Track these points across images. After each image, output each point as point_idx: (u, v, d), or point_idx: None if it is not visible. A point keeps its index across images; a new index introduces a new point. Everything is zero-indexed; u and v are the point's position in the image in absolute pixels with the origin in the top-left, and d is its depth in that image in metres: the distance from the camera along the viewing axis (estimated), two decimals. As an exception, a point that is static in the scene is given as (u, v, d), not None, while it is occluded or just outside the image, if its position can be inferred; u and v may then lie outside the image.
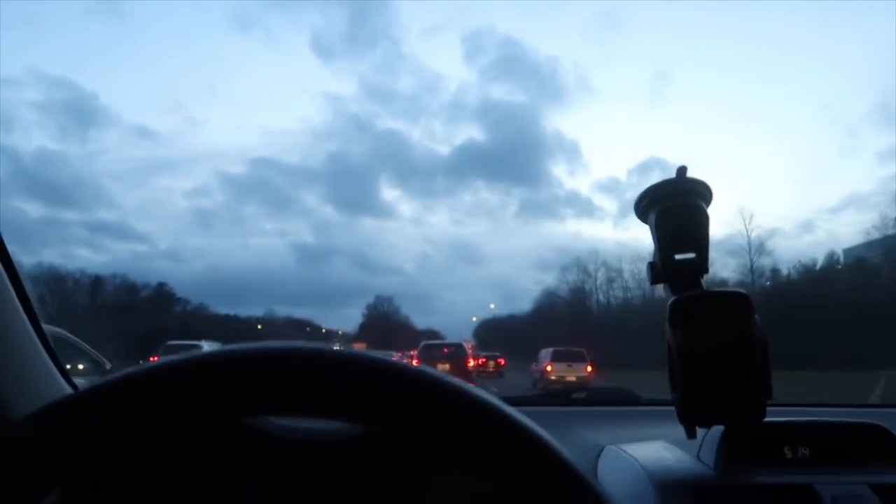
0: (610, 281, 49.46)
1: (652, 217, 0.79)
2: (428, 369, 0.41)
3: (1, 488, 0.36)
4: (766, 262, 36.10)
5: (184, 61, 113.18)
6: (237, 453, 0.67)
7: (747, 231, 35.58)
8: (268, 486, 0.68)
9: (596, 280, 50.85)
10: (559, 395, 1.73)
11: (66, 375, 0.92)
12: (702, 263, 0.77)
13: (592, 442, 1.00)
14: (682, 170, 0.77)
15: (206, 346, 17.70)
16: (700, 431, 0.78)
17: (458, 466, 0.40)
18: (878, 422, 0.83)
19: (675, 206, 0.77)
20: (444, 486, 0.67)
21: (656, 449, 0.89)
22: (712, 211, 0.78)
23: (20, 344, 0.80)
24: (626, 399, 1.62)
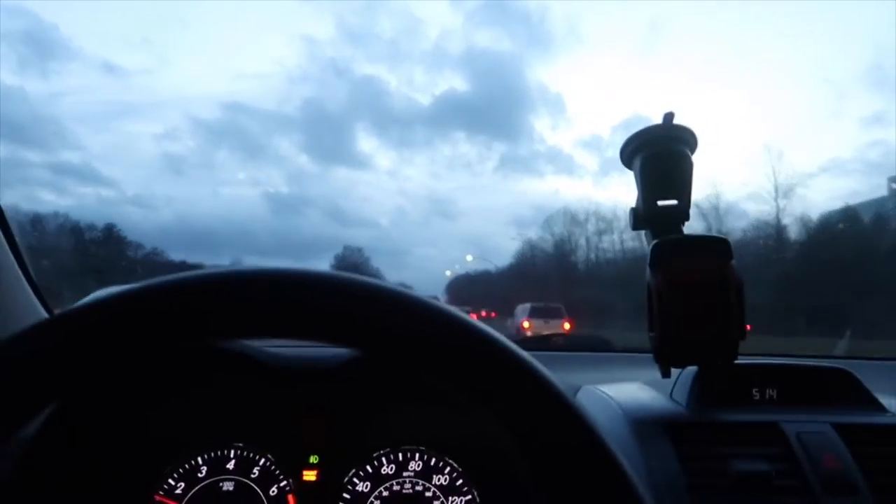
0: (600, 233, 49.38)
1: (636, 163, 0.83)
2: (421, 296, 0.44)
3: None
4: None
5: None
6: (227, 377, 0.72)
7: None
8: (261, 411, 0.74)
9: (587, 230, 50.91)
10: (536, 341, 1.87)
11: (44, 302, 0.95)
12: (684, 210, 0.82)
13: (569, 382, 1.08)
14: (668, 116, 0.81)
15: None
16: (674, 373, 0.85)
17: (450, 390, 0.43)
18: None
19: (660, 152, 0.81)
20: (427, 413, 0.74)
21: (631, 389, 0.97)
22: (697, 158, 0.82)
23: (12, 290, 0.83)
24: (601, 346, 1.76)
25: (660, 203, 0.82)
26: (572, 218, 51.56)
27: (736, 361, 0.82)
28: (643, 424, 0.81)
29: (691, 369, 0.86)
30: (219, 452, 0.74)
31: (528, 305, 22.72)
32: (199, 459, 0.73)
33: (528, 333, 21.00)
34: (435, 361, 0.42)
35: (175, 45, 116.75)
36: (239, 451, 0.74)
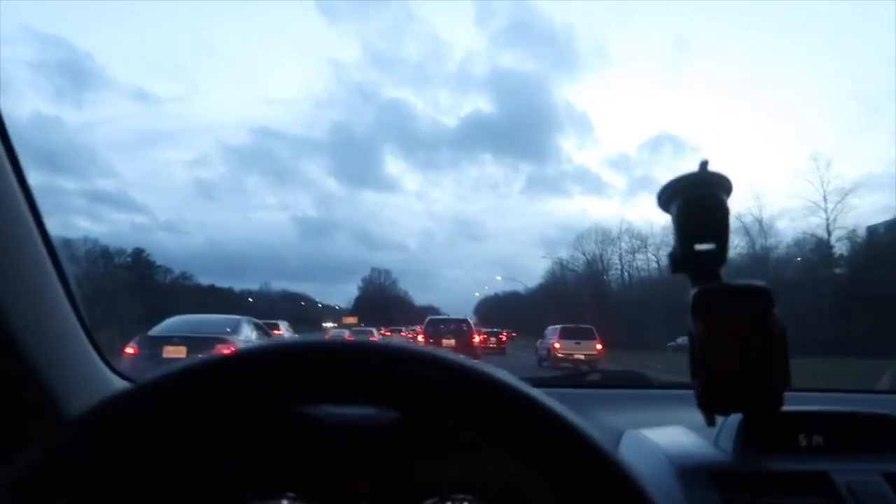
0: (633, 251, 47.44)
1: (674, 208, 0.85)
2: (465, 360, 0.48)
3: (66, 487, 0.42)
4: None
5: (183, 22, 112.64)
6: (281, 430, 0.75)
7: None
8: (313, 463, 0.76)
9: (620, 247, 48.77)
10: (573, 377, 1.85)
11: (107, 362, 1.01)
12: (721, 254, 0.83)
13: (611, 425, 1.08)
14: (703, 163, 0.84)
15: (284, 326, 16.38)
16: (718, 418, 0.85)
17: (495, 450, 0.46)
18: (886, 408, 0.92)
19: (697, 198, 0.84)
20: (476, 464, 0.76)
21: (675, 434, 0.96)
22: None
23: (65, 332, 0.88)
24: (639, 382, 1.72)
25: (697, 247, 0.83)
26: (604, 235, 50.97)
27: (782, 408, 0.82)
28: (689, 472, 0.81)
29: (736, 416, 0.87)
30: (271, 503, 0.76)
31: (558, 327, 22.58)
32: None
33: (559, 354, 20.84)
34: (477, 424, 0.46)
35: (205, 71, 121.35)
36: (290, 502, 0.76)
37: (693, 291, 0.82)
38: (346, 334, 33.33)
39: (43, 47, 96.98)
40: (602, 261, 50.16)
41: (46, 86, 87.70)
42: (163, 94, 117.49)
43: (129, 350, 8.58)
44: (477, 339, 18.87)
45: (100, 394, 0.90)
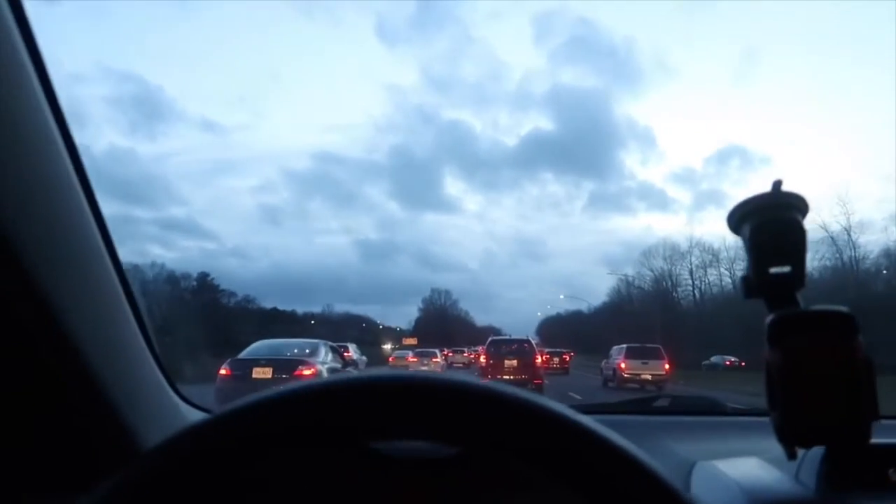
0: (705, 266, 45.52)
1: (746, 230, 0.83)
2: (530, 395, 0.47)
3: None
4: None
5: (247, 53, 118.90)
6: (341, 461, 0.77)
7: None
8: (378, 499, 0.77)
9: (690, 262, 46.79)
10: (641, 403, 1.79)
11: (178, 391, 1.05)
12: (798, 277, 0.80)
13: (682, 455, 1.05)
14: (777, 183, 0.81)
15: (353, 349, 17.02)
16: (799, 451, 0.80)
17: (558, 486, 0.46)
18: None
19: (771, 220, 0.81)
20: (539, 501, 0.74)
21: (752, 467, 0.92)
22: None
23: (137, 363, 0.91)
24: (711, 408, 1.66)
25: (772, 270, 0.80)
26: (673, 250, 49.29)
27: (869, 441, 0.77)
28: None
29: (819, 449, 0.82)
30: None
31: (623, 346, 22.12)
32: None
33: (626, 375, 20.48)
34: (539, 460, 0.46)
35: (268, 100, 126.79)
36: None
37: (769, 317, 0.78)
38: (410, 355, 33.44)
39: (117, 83, 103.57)
40: (671, 277, 48.36)
41: (121, 119, 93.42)
42: (228, 123, 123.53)
43: (223, 372, 9.80)
44: (539, 359, 18.41)
45: (172, 424, 0.95)
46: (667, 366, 20.95)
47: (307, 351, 11.20)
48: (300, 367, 9.90)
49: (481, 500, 0.77)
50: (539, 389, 16.30)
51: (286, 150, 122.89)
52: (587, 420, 0.46)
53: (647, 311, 44.30)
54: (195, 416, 1.08)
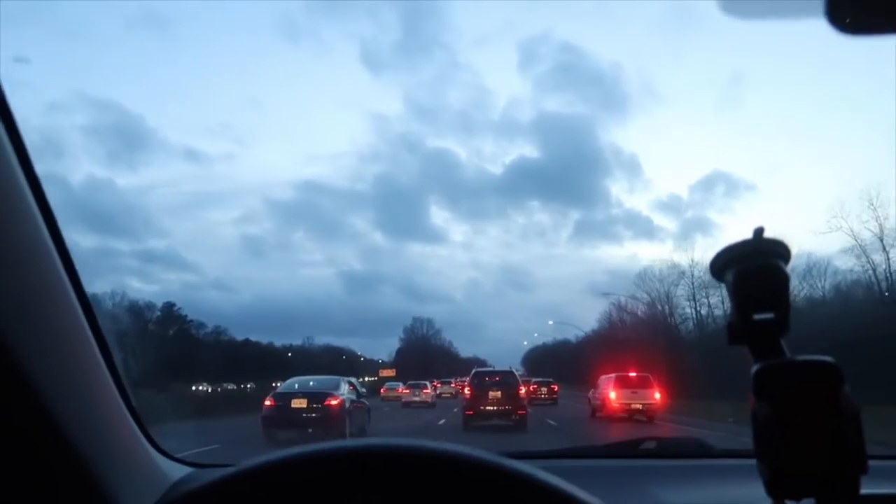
0: (705, 286, 42.50)
1: (728, 277, 0.85)
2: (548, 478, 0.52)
3: None
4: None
5: (229, 80, 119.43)
6: None
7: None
8: None
9: (692, 280, 43.89)
10: (627, 446, 1.80)
11: (154, 443, 1.04)
12: (782, 323, 0.82)
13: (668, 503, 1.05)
14: (758, 231, 0.84)
15: (356, 382, 18.37)
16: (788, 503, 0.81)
17: None
18: None
19: (753, 268, 0.84)
20: None
21: None
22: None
23: (112, 416, 0.90)
24: (699, 451, 1.68)
25: (756, 317, 0.82)
26: (671, 269, 46.16)
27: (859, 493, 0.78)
28: None
29: (809, 502, 0.82)
30: None
31: (612, 375, 22.11)
32: None
33: (615, 405, 20.39)
34: None
35: (251, 129, 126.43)
36: None
37: (755, 367, 0.80)
38: (401, 387, 34.25)
39: (97, 112, 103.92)
40: (668, 299, 46.55)
41: (100, 149, 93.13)
42: (211, 152, 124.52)
43: (268, 402, 13.39)
44: (523, 390, 18.75)
45: (149, 478, 0.95)
46: (657, 395, 21.02)
47: (331, 385, 14.67)
48: (328, 397, 13.36)
49: None
50: (523, 421, 16.68)
51: (269, 180, 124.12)
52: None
53: (640, 337, 43.80)
54: (171, 468, 1.09)
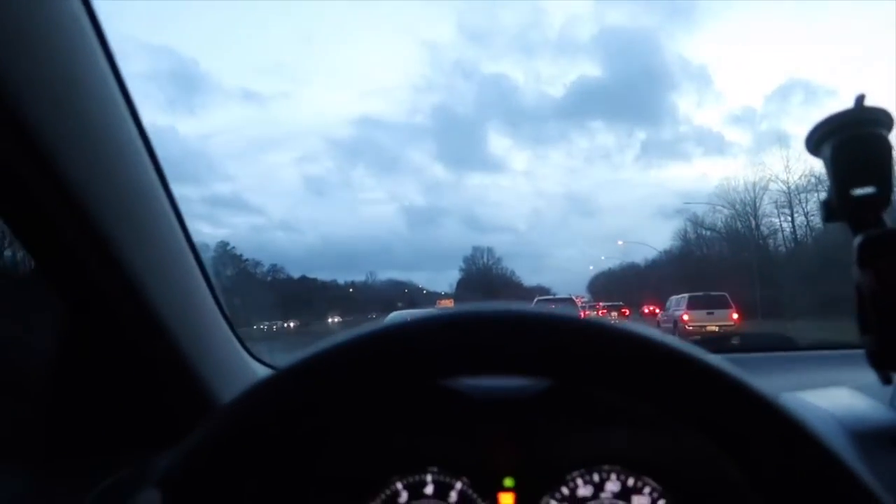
0: (803, 191, 36.31)
1: (826, 150, 0.84)
2: (620, 324, 0.50)
3: (224, 472, 0.47)
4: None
5: (279, 17, 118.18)
6: (425, 404, 0.82)
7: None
8: (457, 437, 0.82)
9: (788, 183, 37.22)
10: (710, 342, 1.86)
11: (248, 349, 1.13)
12: (885, 197, 0.81)
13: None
14: (860, 98, 0.82)
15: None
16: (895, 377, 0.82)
17: (663, 421, 0.50)
18: None
19: (854, 137, 0.82)
20: (627, 429, 0.80)
21: (842, 396, 0.95)
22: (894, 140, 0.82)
23: (209, 322, 0.99)
24: (784, 345, 1.70)
25: (856, 192, 0.81)
26: (761, 174, 40.48)
27: None
28: (867, 439, 0.80)
29: None
30: (416, 478, 0.83)
31: (685, 296, 21.60)
32: (399, 485, 0.82)
33: (689, 328, 19.91)
34: (648, 392, 0.47)
35: (305, 65, 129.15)
36: (435, 476, 0.82)
37: (858, 239, 0.80)
38: None
39: (151, 58, 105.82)
40: (755, 208, 40.91)
41: (159, 96, 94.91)
42: (266, 92, 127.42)
43: None
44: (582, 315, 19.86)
45: (244, 379, 1.04)
46: (735, 315, 20.32)
47: None
48: None
49: (567, 439, 0.81)
50: None
51: (326, 118, 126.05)
52: (694, 348, 0.48)
53: (720, 255, 41.27)
54: (264, 372, 1.14)
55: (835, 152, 0.83)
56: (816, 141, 0.86)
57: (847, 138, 0.83)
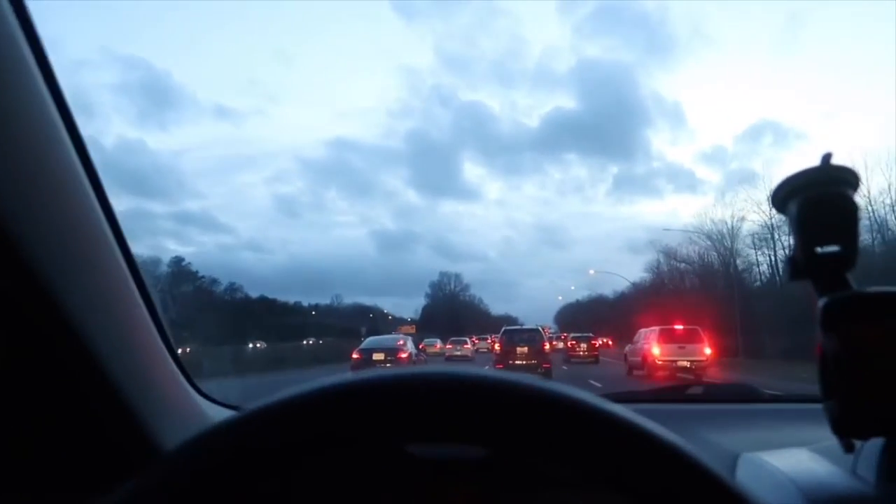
0: (774, 228, 36.91)
1: (792, 208, 0.84)
2: (565, 390, 0.49)
3: None
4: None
5: (256, 33, 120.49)
6: (377, 472, 0.80)
7: None
8: (403, 498, 0.81)
9: (771, 220, 36.82)
10: (672, 391, 1.85)
11: (196, 387, 1.10)
12: (849, 257, 0.82)
13: (724, 447, 1.06)
14: (826, 157, 0.83)
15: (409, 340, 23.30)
16: (856, 443, 0.83)
17: (596, 485, 0.47)
18: None
19: (820, 196, 0.83)
20: (568, 498, 0.77)
21: (803, 459, 0.94)
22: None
23: (152, 356, 0.95)
24: (748, 396, 1.70)
25: (821, 251, 0.82)
26: (735, 214, 40.42)
27: None
28: None
29: (878, 441, 0.84)
30: None
31: (655, 329, 21.31)
32: None
33: (658, 362, 19.61)
34: (576, 461, 0.46)
35: (281, 84, 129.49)
36: None
37: (822, 301, 0.81)
38: (438, 344, 39.92)
39: (123, 69, 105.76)
40: (731, 240, 41.36)
41: (130, 108, 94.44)
42: (241, 108, 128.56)
43: (356, 356, 18.43)
44: (548, 346, 22.80)
45: (192, 421, 1.01)
46: (707, 350, 20.08)
47: (401, 342, 20.16)
48: (399, 351, 18.52)
49: (514, 500, 0.79)
50: (548, 373, 18.60)
51: (301, 137, 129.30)
52: (630, 415, 0.47)
53: (692, 289, 41.42)
54: (216, 412, 1.12)
55: (801, 211, 0.84)
56: (782, 198, 0.87)
57: (813, 197, 0.84)
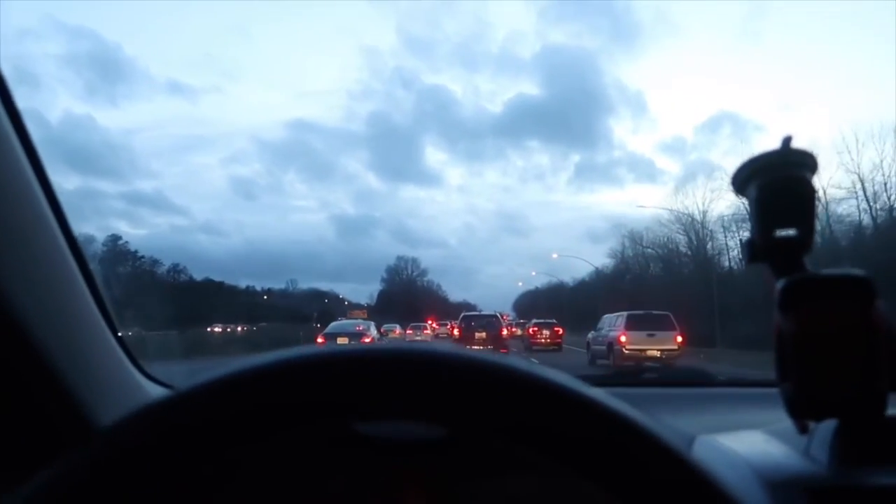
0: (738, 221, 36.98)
1: (752, 191, 0.87)
2: (518, 364, 0.48)
3: (97, 497, 0.43)
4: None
5: (214, 5, 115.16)
6: (330, 452, 0.80)
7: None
8: (362, 481, 0.81)
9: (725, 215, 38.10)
10: (626, 375, 1.95)
11: (139, 366, 1.10)
12: (806, 241, 0.85)
13: (680, 429, 1.08)
14: (787, 140, 0.86)
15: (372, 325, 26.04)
16: (810, 424, 0.87)
17: (559, 467, 0.47)
18: None
19: (778, 179, 0.86)
20: (530, 482, 0.79)
21: (758, 441, 0.98)
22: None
23: (92, 335, 0.95)
24: (701, 379, 1.78)
25: (778, 234, 0.85)
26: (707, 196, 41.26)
27: (886, 414, 0.83)
28: (780, 488, 0.82)
29: (831, 422, 0.88)
30: None
31: (623, 314, 20.22)
32: None
33: (626, 351, 18.64)
34: (537, 441, 0.47)
35: (238, 61, 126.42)
36: None
37: (780, 283, 0.83)
38: (398, 329, 40.77)
39: (68, 39, 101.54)
40: (703, 222, 40.77)
41: (76, 81, 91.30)
42: (196, 85, 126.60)
43: (321, 340, 20.13)
44: (505, 331, 25.11)
45: (133, 400, 1.02)
46: (679, 338, 19.16)
47: (363, 327, 22.99)
48: (363, 336, 20.74)
49: (472, 484, 0.81)
50: None
51: (258, 118, 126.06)
52: (598, 393, 0.48)
53: (661, 275, 41.25)
54: (158, 391, 1.11)
55: (759, 193, 0.86)
56: (742, 181, 0.89)
57: (772, 180, 0.86)
